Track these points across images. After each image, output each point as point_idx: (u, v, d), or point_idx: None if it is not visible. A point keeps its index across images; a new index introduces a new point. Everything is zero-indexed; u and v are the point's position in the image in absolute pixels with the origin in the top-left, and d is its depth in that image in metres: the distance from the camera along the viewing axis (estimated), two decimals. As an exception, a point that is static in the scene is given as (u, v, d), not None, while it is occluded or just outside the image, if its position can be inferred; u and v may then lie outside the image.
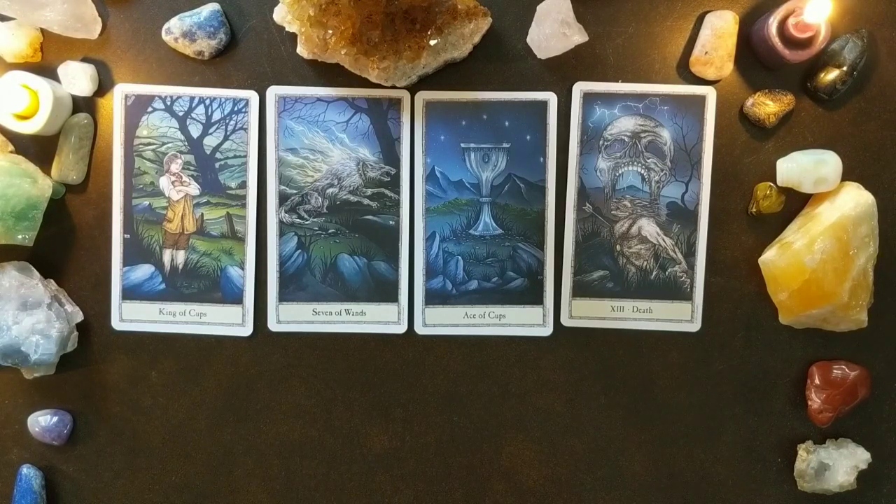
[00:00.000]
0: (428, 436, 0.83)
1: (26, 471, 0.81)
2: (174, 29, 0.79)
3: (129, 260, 0.82)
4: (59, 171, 0.80)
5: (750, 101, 0.80)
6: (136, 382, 0.82)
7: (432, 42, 0.76)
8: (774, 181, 0.80)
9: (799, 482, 0.81)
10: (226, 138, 0.81)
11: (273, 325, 0.82)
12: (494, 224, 0.82)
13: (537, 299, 0.82)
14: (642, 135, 0.81)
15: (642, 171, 0.81)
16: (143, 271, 0.82)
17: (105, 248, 0.82)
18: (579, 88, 0.81)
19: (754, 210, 0.81)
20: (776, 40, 0.76)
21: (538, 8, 0.78)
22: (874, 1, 0.80)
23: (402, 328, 0.82)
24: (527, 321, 0.82)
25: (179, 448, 0.83)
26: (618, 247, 0.82)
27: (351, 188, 0.82)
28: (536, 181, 0.81)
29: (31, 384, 0.82)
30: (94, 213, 0.82)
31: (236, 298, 0.82)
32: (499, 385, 0.83)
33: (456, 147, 0.81)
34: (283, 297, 0.82)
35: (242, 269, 0.82)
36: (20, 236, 0.77)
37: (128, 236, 0.82)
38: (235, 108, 0.81)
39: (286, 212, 0.82)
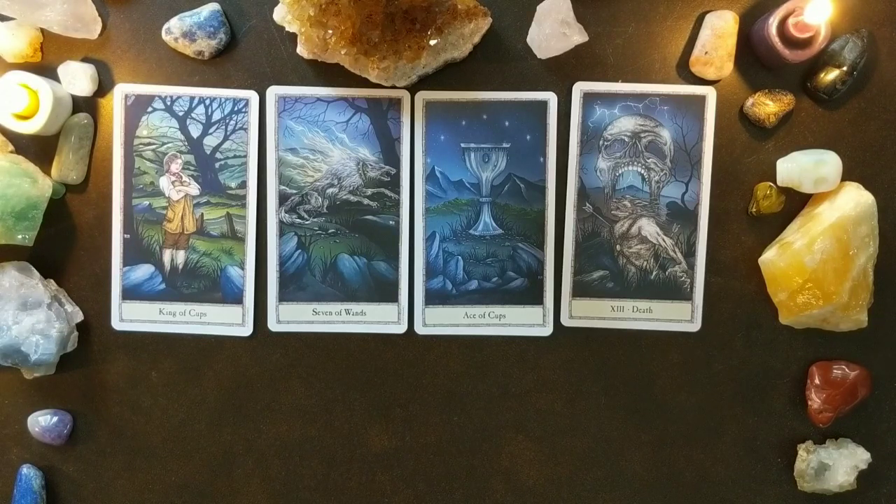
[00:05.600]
0: (428, 436, 0.83)
1: (26, 471, 0.81)
2: (174, 29, 0.79)
3: (129, 260, 0.82)
4: (59, 171, 0.80)
5: (750, 101, 0.80)
6: (136, 382, 0.82)
7: (432, 42, 0.76)
8: (774, 181, 0.80)
9: (799, 482, 0.81)
10: (226, 138, 0.81)
11: (273, 325, 0.82)
12: (494, 224, 0.82)
13: (537, 299, 0.82)
14: (642, 135, 0.81)
15: (642, 171, 0.81)
16: (143, 271, 0.82)
17: (105, 248, 0.82)
18: (579, 88, 0.81)
19: (754, 210, 0.81)
20: (776, 40, 0.76)
21: (538, 8, 0.78)
22: (874, 1, 0.80)
23: (402, 328, 0.82)
24: (527, 321, 0.82)
25: (179, 448, 0.83)
26: (618, 247, 0.82)
27: (351, 188, 0.82)
28: (536, 181, 0.81)
29: (31, 384, 0.82)
30: (94, 213, 0.82)
31: (236, 298, 0.82)
32: (499, 385, 0.83)
33: (456, 147, 0.81)
34: (283, 297, 0.82)
35: (242, 269, 0.82)
36: (20, 236, 0.77)
37: (128, 236, 0.82)
38: (235, 108, 0.81)
39: (286, 212, 0.82)
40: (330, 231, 0.82)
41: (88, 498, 0.83)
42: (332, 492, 0.83)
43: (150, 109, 0.81)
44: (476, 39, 0.79)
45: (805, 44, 0.76)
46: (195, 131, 0.81)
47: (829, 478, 0.80)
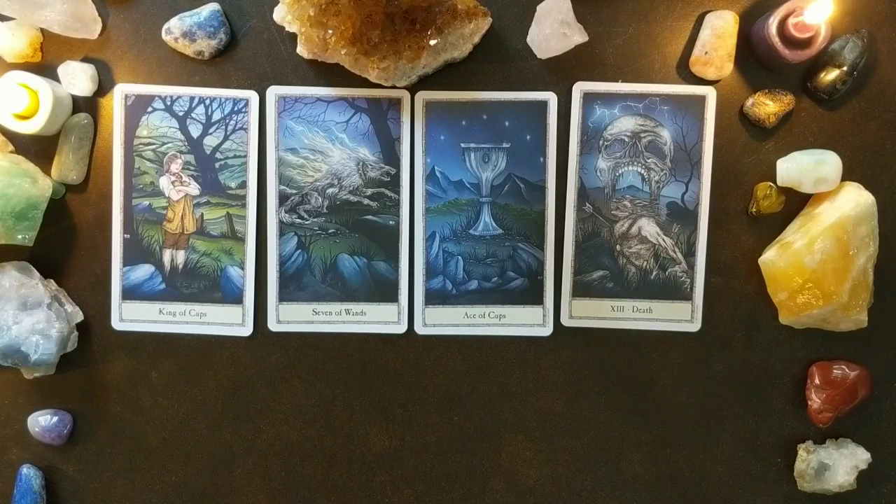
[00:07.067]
0: (428, 436, 0.83)
1: (26, 471, 0.81)
2: (174, 29, 0.79)
3: (129, 260, 0.82)
4: (59, 171, 0.80)
5: (750, 101, 0.80)
6: (136, 382, 0.82)
7: (432, 42, 0.76)
8: (774, 181, 0.80)
9: (799, 482, 0.81)
10: (226, 138, 0.81)
11: (273, 325, 0.82)
12: (494, 224, 0.82)
13: (537, 299, 0.82)
14: (642, 135, 0.81)
15: (642, 171, 0.81)
16: (143, 271, 0.82)
17: (105, 248, 0.82)
18: (579, 88, 0.81)
19: (754, 210, 0.81)
20: (776, 40, 0.76)
21: (538, 8, 0.78)
22: (874, 1, 0.80)
23: (402, 328, 0.82)
24: (527, 321, 0.82)
25: (179, 448, 0.83)
26: (618, 247, 0.82)
27: (351, 188, 0.82)
28: (536, 181, 0.81)
29: (31, 384, 0.82)
30: (94, 213, 0.82)
31: (236, 298, 0.82)
32: (499, 385, 0.83)
33: (456, 147, 0.81)
34: (283, 297, 0.82)
35: (242, 269, 0.82)
36: (20, 236, 0.77)
37: (128, 236, 0.82)
38: (235, 108, 0.81)
39: (286, 212, 0.82)
40: (330, 231, 0.82)
41: (88, 498, 0.83)
42: (332, 492, 0.83)
43: (150, 109, 0.81)
44: (476, 39, 0.79)
45: (805, 44, 0.76)
46: (195, 131, 0.81)
47: (829, 478, 0.80)
